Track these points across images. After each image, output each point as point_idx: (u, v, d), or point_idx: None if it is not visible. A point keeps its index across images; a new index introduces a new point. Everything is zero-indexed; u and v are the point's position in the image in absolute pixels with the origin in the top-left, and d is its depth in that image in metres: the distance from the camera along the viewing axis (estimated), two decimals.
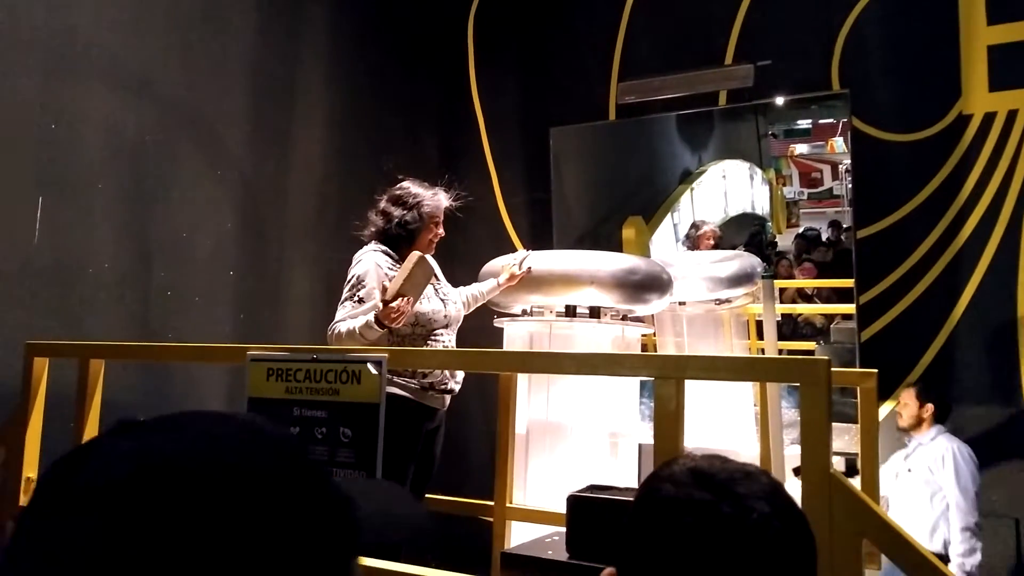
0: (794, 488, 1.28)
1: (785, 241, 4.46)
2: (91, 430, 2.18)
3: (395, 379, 2.48)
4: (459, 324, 2.78)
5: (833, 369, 1.38)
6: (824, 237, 4.41)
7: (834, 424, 1.41)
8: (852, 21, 3.87)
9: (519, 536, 2.41)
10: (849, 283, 3.80)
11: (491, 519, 2.52)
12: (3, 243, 2.69)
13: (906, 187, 3.72)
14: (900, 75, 3.77)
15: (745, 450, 3.38)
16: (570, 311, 2.98)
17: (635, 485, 2.28)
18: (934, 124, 3.68)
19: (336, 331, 2.48)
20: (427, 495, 2.68)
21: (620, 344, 3.05)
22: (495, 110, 4.75)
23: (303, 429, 1.89)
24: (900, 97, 3.76)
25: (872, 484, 2.21)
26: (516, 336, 3.12)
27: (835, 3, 3.92)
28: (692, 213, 4.62)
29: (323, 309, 3.50)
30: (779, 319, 3.81)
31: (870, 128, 3.80)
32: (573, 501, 1.81)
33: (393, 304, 2.38)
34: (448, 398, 2.68)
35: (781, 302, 4.05)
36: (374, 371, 1.83)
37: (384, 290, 2.45)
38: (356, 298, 2.53)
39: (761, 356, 3.61)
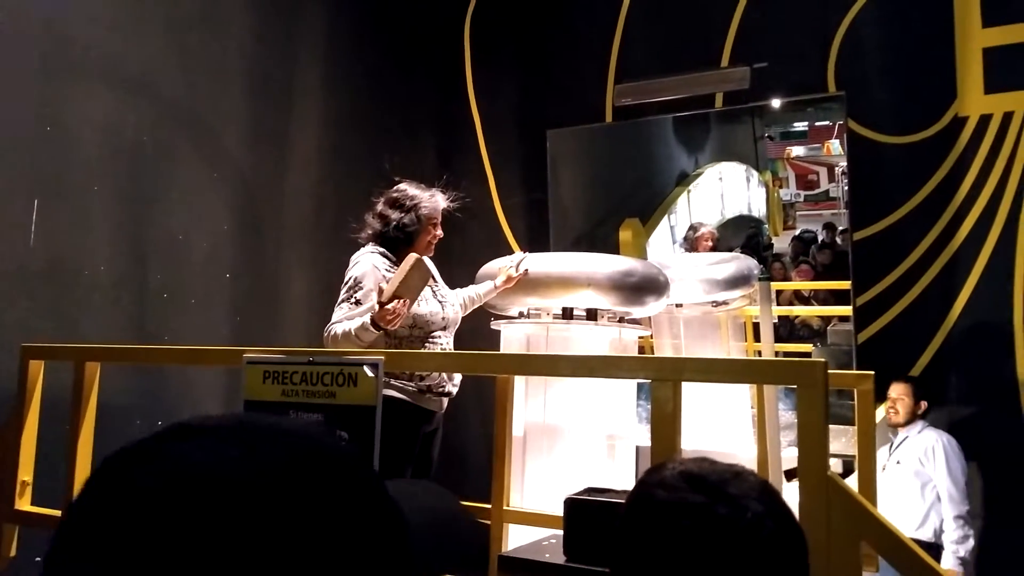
0: (790, 491, 1.28)
1: (782, 243, 4.47)
2: (87, 433, 2.17)
3: (392, 382, 2.47)
4: (457, 327, 2.77)
5: (830, 371, 1.38)
6: (819, 239, 4.42)
7: (831, 426, 1.41)
8: (848, 23, 3.88)
9: (516, 539, 2.40)
10: (846, 285, 3.81)
11: (488, 522, 2.52)
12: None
13: (902, 189, 3.73)
14: (896, 77, 3.78)
15: (742, 452, 3.38)
16: (567, 313, 2.98)
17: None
18: (930, 126, 3.69)
19: (332, 333, 2.47)
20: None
21: (617, 346, 3.05)
22: (492, 112, 4.75)
23: None
24: (896, 99, 3.77)
25: (869, 486, 2.21)
26: (513, 338, 3.12)
27: (831, 5, 3.93)
28: (689, 215, 4.62)
29: (320, 311, 3.49)
30: (776, 321, 3.81)
31: (866, 130, 3.81)
32: (570, 504, 1.81)
33: (389, 306, 2.37)
34: (445, 401, 2.67)
35: (778, 304, 4.06)
36: (371, 374, 1.83)
37: (381, 292, 2.45)
38: (353, 300, 2.53)
39: (758, 358, 3.61)
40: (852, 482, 2.42)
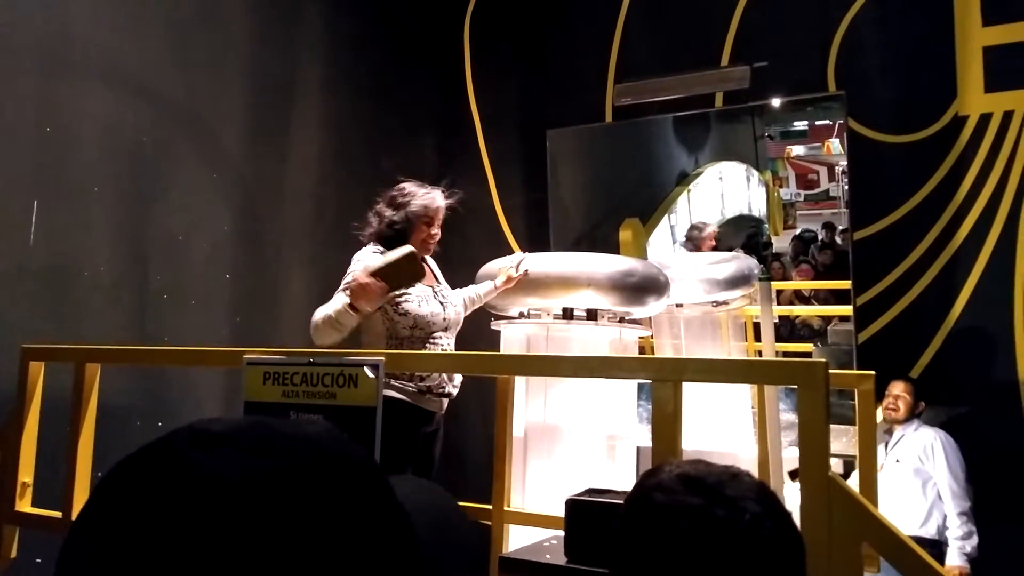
0: (792, 491, 1.28)
1: (782, 243, 4.47)
2: (87, 434, 2.17)
3: (392, 382, 2.47)
4: (458, 327, 2.77)
5: (831, 371, 1.38)
6: (819, 239, 4.42)
7: (832, 426, 1.41)
8: (848, 22, 3.88)
9: (517, 540, 2.40)
10: (846, 285, 3.80)
11: (489, 523, 2.52)
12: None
13: (902, 189, 3.73)
14: (896, 76, 3.78)
15: (743, 453, 3.38)
16: (567, 313, 2.97)
17: None
18: (930, 125, 3.69)
19: (313, 321, 2.43)
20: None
21: (618, 346, 3.05)
22: (492, 112, 4.75)
23: None
24: (896, 98, 3.77)
25: (870, 486, 2.21)
26: (513, 339, 3.12)
27: (831, 4, 3.92)
28: (689, 215, 4.62)
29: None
30: (776, 321, 3.81)
31: (866, 129, 3.81)
32: (571, 505, 1.80)
33: (366, 280, 2.34)
34: (445, 402, 2.67)
35: (778, 304, 4.05)
36: (371, 375, 1.82)
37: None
38: (341, 289, 2.50)
39: (759, 358, 3.61)
40: (853, 483, 2.42)
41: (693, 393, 2.70)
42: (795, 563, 0.78)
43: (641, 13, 4.39)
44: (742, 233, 4.56)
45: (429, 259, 2.78)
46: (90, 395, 2.16)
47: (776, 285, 4.04)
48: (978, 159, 3.60)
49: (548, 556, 1.83)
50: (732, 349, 4.02)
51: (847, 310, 3.81)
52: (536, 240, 4.41)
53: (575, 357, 2.34)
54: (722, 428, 3.61)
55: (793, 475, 2.91)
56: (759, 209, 4.57)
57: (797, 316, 4.31)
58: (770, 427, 2.89)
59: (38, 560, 2.48)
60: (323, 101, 4.00)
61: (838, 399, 3.19)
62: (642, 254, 4.35)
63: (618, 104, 4.37)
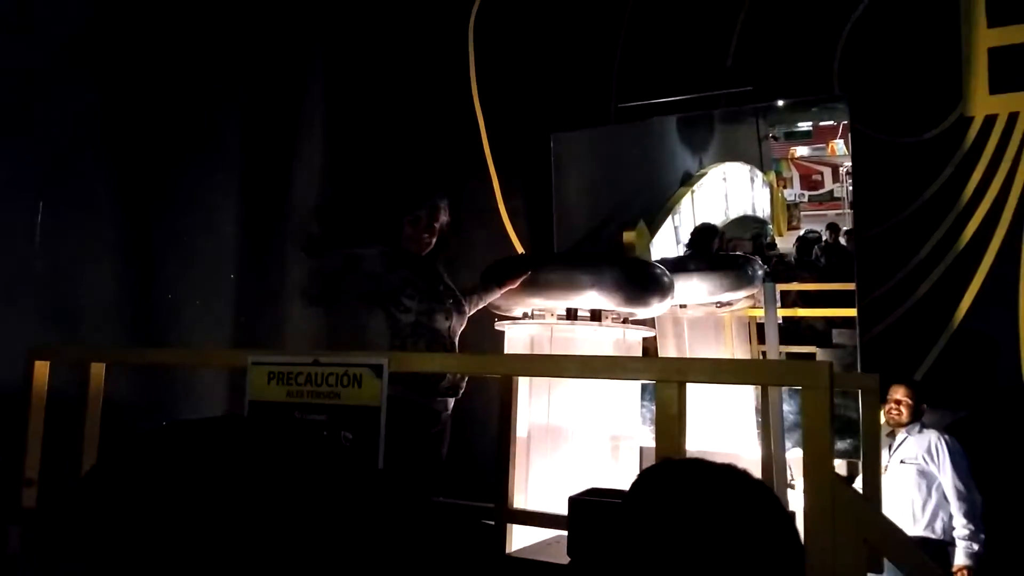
0: (797, 491, 1.28)
1: (786, 244, 4.46)
2: (92, 434, 2.18)
3: (397, 383, 2.47)
4: (462, 328, 2.77)
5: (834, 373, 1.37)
6: (823, 239, 4.41)
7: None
8: (853, 23, 3.88)
9: (520, 539, 2.41)
10: (850, 286, 3.80)
11: (492, 522, 2.52)
12: (3, 245, 2.69)
13: (907, 190, 3.72)
14: (901, 77, 3.77)
15: (746, 453, 3.38)
16: (571, 314, 2.98)
17: None
18: (935, 127, 3.69)
19: None
20: (432, 498, 2.67)
21: (621, 347, 3.05)
22: (496, 113, 4.75)
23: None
24: (901, 99, 3.77)
25: (875, 488, 2.21)
26: (517, 339, 3.12)
27: (836, 5, 3.92)
28: (693, 216, 4.62)
29: (323, 313, 3.50)
30: (781, 322, 3.81)
31: (871, 130, 3.81)
32: (574, 504, 1.81)
33: None
34: (451, 401, 2.67)
35: (782, 305, 4.05)
36: (375, 375, 1.83)
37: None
38: None
39: (763, 359, 3.61)
40: (857, 486, 2.42)
41: (697, 394, 2.71)
42: (793, 564, 0.78)
43: (646, 13, 4.39)
44: (746, 234, 4.56)
45: (432, 258, 2.78)
46: (96, 395, 2.17)
47: (780, 286, 4.05)
48: (983, 161, 3.60)
49: (552, 556, 1.84)
50: (736, 350, 4.02)
51: (851, 312, 3.81)
52: (540, 242, 4.42)
53: (579, 357, 2.35)
54: (726, 429, 3.62)
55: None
56: (763, 210, 4.57)
57: (801, 317, 4.31)
58: (774, 428, 2.89)
59: None
60: (326, 103, 4.01)
61: (840, 400, 3.19)
62: (646, 255, 4.35)
63: (622, 105, 4.38)
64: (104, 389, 2.21)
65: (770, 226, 4.51)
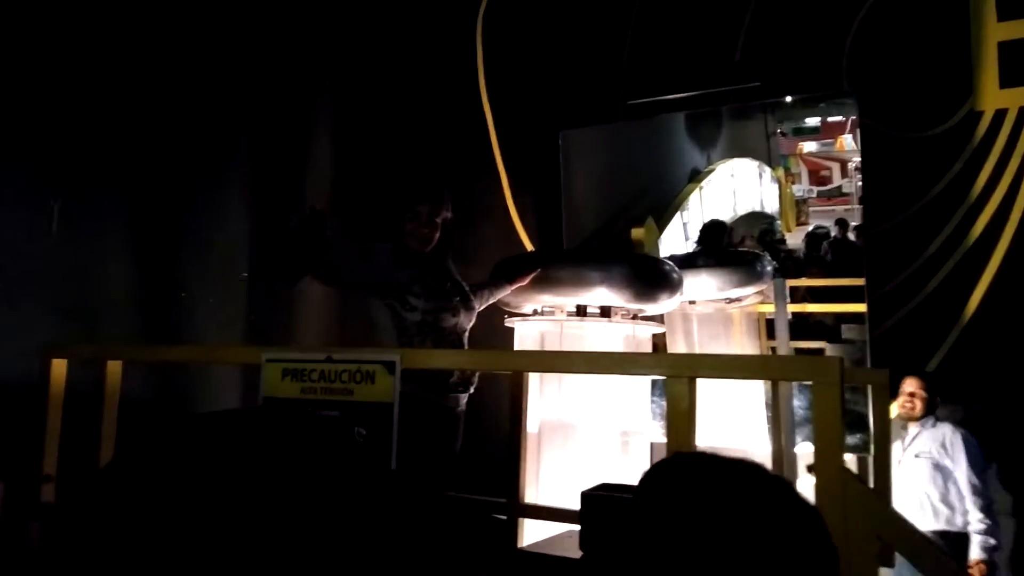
0: (807, 485, 1.29)
1: (795, 239, 4.46)
2: (109, 431, 2.21)
3: (409, 379, 2.48)
4: (471, 324, 2.78)
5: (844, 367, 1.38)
6: (832, 235, 4.41)
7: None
8: (862, 18, 3.87)
9: (531, 534, 2.42)
10: (860, 281, 3.79)
11: (504, 517, 2.54)
12: (20, 243, 2.72)
13: (916, 185, 3.72)
14: (910, 72, 3.76)
15: (757, 448, 3.38)
16: (581, 310, 2.99)
17: None
18: (945, 122, 3.68)
19: None
20: (445, 493, 2.69)
21: (631, 343, 3.06)
22: (505, 111, 4.76)
23: None
24: (910, 94, 3.76)
25: (885, 481, 2.22)
26: (527, 336, 3.13)
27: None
28: (701, 212, 4.62)
29: (335, 309, 3.52)
30: (791, 318, 3.81)
31: (880, 126, 3.80)
32: (587, 499, 1.82)
33: None
34: (463, 398, 2.68)
35: (792, 300, 4.05)
36: (388, 371, 1.85)
37: None
38: None
39: (774, 355, 3.61)
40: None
41: (707, 389, 2.72)
42: (813, 558, 0.76)
43: (653, 12, 4.39)
44: (755, 230, 4.56)
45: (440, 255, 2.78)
46: (113, 392, 2.20)
47: (790, 282, 4.05)
48: (993, 155, 3.59)
49: (564, 550, 1.85)
50: (745, 346, 4.03)
51: (861, 307, 3.80)
52: (549, 239, 4.43)
53: (589, 353, 2.36)
54: (736, 424, 3.62)
55: (811, 468, 2.92)
56: (772, 206, 4.57)
57: (810, 313, 4.30)
58: (784, 423, 2.89)
59: None
60: (336, 103, 4.03)
61: (852, 395, 3.19)
62: (655, 251, 4.36)
63: (631, 102, 4.38)
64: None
65: (779, 222, 4.50)
